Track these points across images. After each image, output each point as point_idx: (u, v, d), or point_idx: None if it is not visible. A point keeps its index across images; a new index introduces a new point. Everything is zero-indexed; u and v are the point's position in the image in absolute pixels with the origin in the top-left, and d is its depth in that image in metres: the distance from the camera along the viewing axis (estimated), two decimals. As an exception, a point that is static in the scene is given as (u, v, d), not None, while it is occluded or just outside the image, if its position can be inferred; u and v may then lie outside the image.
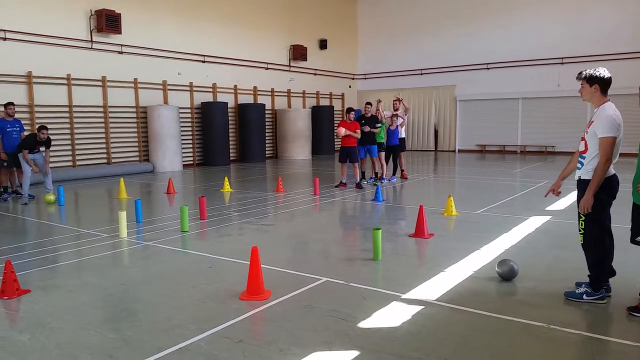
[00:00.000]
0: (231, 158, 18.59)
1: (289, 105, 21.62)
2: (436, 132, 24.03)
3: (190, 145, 17.66)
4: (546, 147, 20.85)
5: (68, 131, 14.22)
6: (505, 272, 4.72)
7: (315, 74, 23.07)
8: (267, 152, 20.09)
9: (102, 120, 15.07)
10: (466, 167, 16.61)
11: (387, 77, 24.86)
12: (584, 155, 4.13)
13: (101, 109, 15.02)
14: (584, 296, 4.13)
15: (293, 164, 18.16)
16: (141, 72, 15.91)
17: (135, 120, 15.95)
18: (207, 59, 18.02)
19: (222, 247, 6.31)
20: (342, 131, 10.94)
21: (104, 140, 15.15)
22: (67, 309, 4.19)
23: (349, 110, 11.33)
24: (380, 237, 5.50)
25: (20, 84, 13.22)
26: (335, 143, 21.57)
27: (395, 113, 12.51)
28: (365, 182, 11.88)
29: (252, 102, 19.71)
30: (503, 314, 3.94)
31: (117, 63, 15.28)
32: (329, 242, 6.59)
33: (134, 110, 15.90)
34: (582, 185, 4.12)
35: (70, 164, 14.28)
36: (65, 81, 14.11)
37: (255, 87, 19.98)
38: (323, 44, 23.31)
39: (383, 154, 11.87)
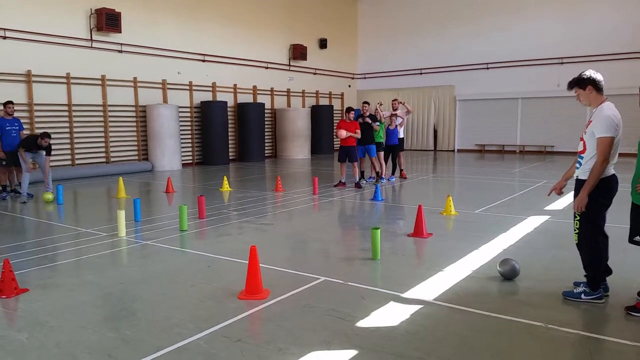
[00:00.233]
0: (230, 157, 18.59)
1: (289, 105, 21.62)
2: (435, 131, 24.03)
3: (190, 145, 17.66)
4: (545, 147, 20.86)
5: (67, 130, 14.20)
6: (507, 272, 4.73)
7: (315, 74, 23.06)
8: (266, 152, 20.08)
9: (102, 119, 15.06)
10: (465, 166, 16.61)
11: (386, 77, 24.86)
12: (582, 155, 4.14)
13: (100, 108, 15.01)
14: (582, 296, 4.14)
15: (292, 163, 18.16)
16: (141, 71, 15.90)
17: (134, 119, 15.94)
18: (206, 58, 18.01)
19: (220, 246, 6.31)
20: (343, 133, 10.95)
21: (103, 139, 15.14)
22: (65, 308, 4.19)
23: (349, 109, 11.33)
24: (379, 236, 5.50)
25: (19, 83, 13.21)
26: (335, 143, 21.56)
27: (394, 113, 12.52)
28: (364, 182, 11.88)
29: (251, 101, 19.70)
30: (502, 313, 3.95)
31: (116, 62, 15.27)
32: (328, 241, 6.59)
33: (133, 109, 15.89)
34: (579, 184, 4.13)
35: (69, 162, 14.27)
36: (64, 80, 14.10)
37: (254, 87, 19.97)
38: (323, 44, 23.31)
39: (382, 153, 11.88)
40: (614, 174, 4.10)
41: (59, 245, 6.46)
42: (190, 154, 17.66)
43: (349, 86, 25.51)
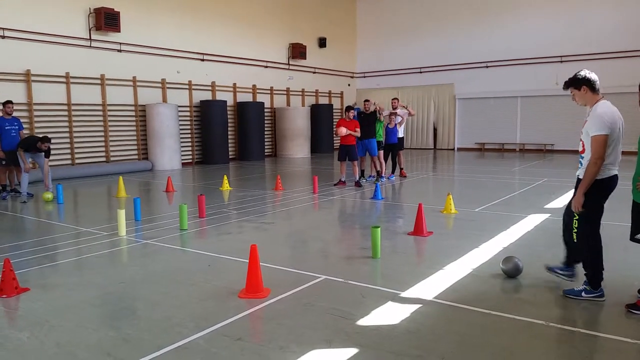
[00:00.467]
0: (230, 156, 18.58)
1: (288, 104, 21.60)
2: (435, 130, 24.02)
3: (189, 144, 17.65)
4: (545, 145, 20.85)
5: (67, 129, 14.19)
6: (510, 269, 4.73)
7: (314, 73, 23.05)
8: (266, 151, 20.07)
9: (101, 118, 15.05)
10: (465, 165, 16.61)
11: (386, 76, 24.85)
12: (582, 155, 4.14)
13: (100, 107, 15.00)
14: (583, 294, 4.14)
15: (292, 162, 18.16)
16: (140, 71, 15.89)
17: (134, 118, 15.93)
18: (206, 57, 18.00)
19: (221, 245, 6.30)
20: (343, 131, 10.95)
21: (102, 139, 15.13)
22: (66, 308, 4.19)
23: (348, 108, 11.34)
24: (379, 235, 5.50)
25: (18, 82, 13.20)
26: (334, 141, 21.56)
27: (393, 112, 12.52)
28: (364, 180, 11.88)
29: (251, 100, 19.70)
30: (502, 311, 3.95)
31: (116, 61, 15.26)
32: (328, 240, 6.59)
33: (132, 108, 15.88)
34: (578, 183, 4.14)
35: (69, 162, 14.26)
36: (64, 79, 14.09)
37: (254, 86, 19.96)
38: (322, 43, 23.29)
39: (382, 152, 11.89)
40: (615, 175, 4.09)
41: (59, 244, 6.45)
42: (190, 153, 17.65)
43: (349, 85, 25.50)
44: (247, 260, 4.42)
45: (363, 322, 3.79)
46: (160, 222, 7.66)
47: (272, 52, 20.81)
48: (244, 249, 5.47)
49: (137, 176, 14.09)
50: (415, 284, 4.60)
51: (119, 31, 14.95)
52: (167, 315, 3.98)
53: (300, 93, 22.33)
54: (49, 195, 9.81)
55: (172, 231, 7.01)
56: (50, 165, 10.74)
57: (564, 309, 4.03)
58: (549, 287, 4.48)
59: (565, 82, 4.21)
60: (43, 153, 10.20)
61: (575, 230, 4.13)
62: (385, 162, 12.24)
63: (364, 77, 25.68)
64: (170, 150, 15.87)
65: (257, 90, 20.12)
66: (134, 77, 15.74)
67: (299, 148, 20.33)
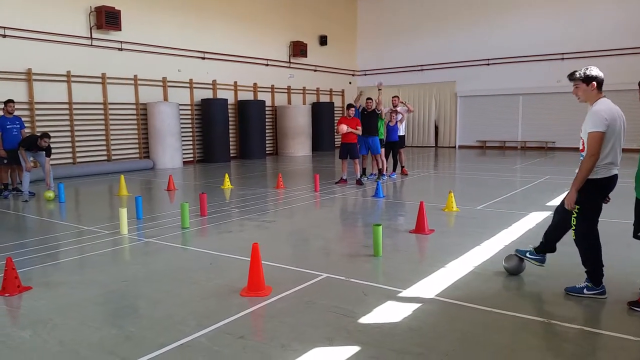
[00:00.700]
0: (231, 155, 18.58)
1: (289, 102, 21.59)
2: (436, 128, 24.01)
3: (191, 142, 17.65)
4: (547, 142, 20.83)
5: (68, 128, 14.21)
6: (512, 267, 4.73)
7: (315, 71, 23.03)
8: (267, 149, 20.07)
9: (102, 117, 15.06)
10: (467, 163, 16.60)
11: (387, 73, 24.77)
12: (582, 153, 4.13)
13: (101, 106, 15.00)
14: (585, 291, 4.14)
15: (293, 160, 18.16)
16: (141, 69, 15.89)
17: (135, 117, 15.94)
18: (207, 55, 18.00)
19: (222, 243, 6.31)
20: (344, 128, 10.95)
21: (104, 137, 15.15)
22: (68, 306, 4.20)
23: (349, 106, 11.35)
24: (381, 233, 5.50)
25: (20, 81, 13.20)
26: (336, 139, 21.55)
27: (394, 109, 12.51)
28: (366, 179, 11.88)
29: (252, 98, 19.69)
30: (504, 309, 3.95)
31: (117, 60, 15.26)
32: (330, 238, 6.59)
33: (134, 107, 15.88)
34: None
35: (70, 161, 14.27)
36: (65, 78, 14.09)
37: (255, 84, 19.95)
38: (323, 40, 23.27)
39: (383, 150, 11.89)
40: (616, 175, 4.09)
41: (62, 243, 6.46)
42: (191, 151, 17.66)
43: (350, 83, 25.48)
44: (249, 259, 4.43)
45: (365, 320, 3.79)
46: (162, 221, 7.67)
47: (273, 50, 20.79)
48: (245, 247, 5.48)
49: (139, 175, 14.10)
50: (417, 282, 4.60)
51: (120, 30, 14.94)
52: (169, 313, 3.98)
53: (301, 91, 22.32)
54: (50, 194, 9.82)
55: (174, 229, 7.01)
56: (52, 164, 10.75)
57: (565, 306, 4.03)
58: (550, 284, 4.48)
59: (575, 73, 4.14)
60: (44, 152, 10.21)
61: (574, 228, 4.14)
62: (386, 160, 12.23)
63: (365, 75, 25.65)
64: (172, 149, 15.87)
65: (258, 89, 20.12)
66: (135, 76, 15.74)
67: (300, 146, 20.33)
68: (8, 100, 10.61)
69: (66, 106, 14.17)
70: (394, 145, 12.42)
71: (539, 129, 21.04)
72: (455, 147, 23.29)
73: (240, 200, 9.59)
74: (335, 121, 21.92)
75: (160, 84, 16.57)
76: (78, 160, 14.45)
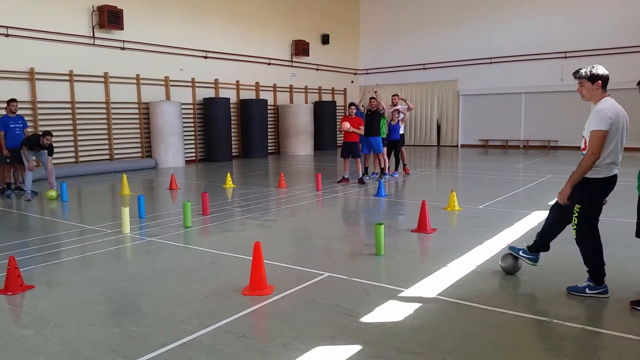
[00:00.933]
0: (233, 154, 18.60)
1: (291, 101, 21.59)
2: (439, 127, 23.98)
3: (193, 141, 17.67)
4: (549, 141, 20.79)
5: (70, 127, 14.23)
6: (509, 266, 4.73)
7: (317, 69, 23.02)
8: (269, 148, 20.08)
9: (105, 116, 15.08)
10: (469, 162, 16.58)
11: (389, 72, 24.79)
12: (584, 152, 4.12)
13: (103, 105, 15.03)
14: (587, 290, 4.13)
15: (295, 159, 18.16)
16: (143, 68, 15.90)
17: (137, 116, 15.96)
18: (209, 54, 18.01)
19: (224, 242, 6.31)
20: (347, 125, 10.96)
21: (106, 137, 15.17)
22: (71, 305, 4.21)
23: (351, 105, 11.35)
24: (383, 232, 5.50)
25: (22, 81, 13.24)
26: (338, 138, 21.55)
27: (395, 108, 12.50)
28: (368, 177, 11.88)
29: (254, 97, 19.70)
30: (506, 308, 3.94)
31: (119, 59, 15.28)
32: (332, 237, 6.60)
33: (136, 106, 15.90)
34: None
35: (72, 160, 14.30)
36: (67, 77, 14.12)
37: (257, 83, 19.96)
38: (325, 39, 23.26)
39: (385, 149, 11.89)
40: (615, 175, 4.08)
41: (64, 242, 6.47)
42: (193, 150, 17.68)
43: (352, 82, 25.46)
44: (251, 258, 4.43)
45: (366, 319, 3.79)
46: (164, 220, 7.68)
47: (275, 49, 20.79)
48: (247, 246, 5.48)
49: (141, 174, 14.12)
50: (418, 281, 4.60)
51: (122, 29, 14.96)
52: (172, 312, 3.99)
53: (304, 90, 22.31)
54: (53, 193, 9.84)
55: (176, 228, 7.02)
56: (54, 163, 10.79)
57: (567, 305, 4.02)
58: (552, 284, 4.47)
59: (580, 70, 4.10)
60: (47, 151, 10.23)
61: (575, 227, 4.13)
62: (388, 158, 12.23)
63: (367, 73, 25.62)
64: (174, 148, 15.89)
65: (260, 88, 20.12)
66: (138, 75, 15.75)
67: (302, 145, 20.33)
68: (11, 99, 10.63)
69: (69, 105, 14.20)
70: (396, 143, 12.42)
71: (541, 127, 20.99)
72: (457, 145, 23.26)
73: (242, 199, 9.59)
74: (338, 120, 21.95)
75: (163, 83, 16.58)
76: (80, 159, 14.48)
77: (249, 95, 19.67)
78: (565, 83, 19.48)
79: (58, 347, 3.44)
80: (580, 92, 4.16)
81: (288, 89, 21.56)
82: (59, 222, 7.91)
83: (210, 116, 17.48)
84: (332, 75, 23.98)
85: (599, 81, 4.03)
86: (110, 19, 14.51)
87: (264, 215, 8.00)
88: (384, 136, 11.84)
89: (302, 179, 12.38)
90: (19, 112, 10.91)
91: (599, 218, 4.15)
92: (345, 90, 24.85)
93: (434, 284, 4.52)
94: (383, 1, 24.74)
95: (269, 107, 20.05)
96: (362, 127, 11.12)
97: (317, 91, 23.08)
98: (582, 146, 4.14)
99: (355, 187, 10.70)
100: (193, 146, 17.68)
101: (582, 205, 4.06)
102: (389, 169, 12.16)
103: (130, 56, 15.60)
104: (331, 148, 22.03)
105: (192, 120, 17.62)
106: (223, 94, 18.49)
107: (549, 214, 4.50)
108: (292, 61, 21.63)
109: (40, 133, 10.46)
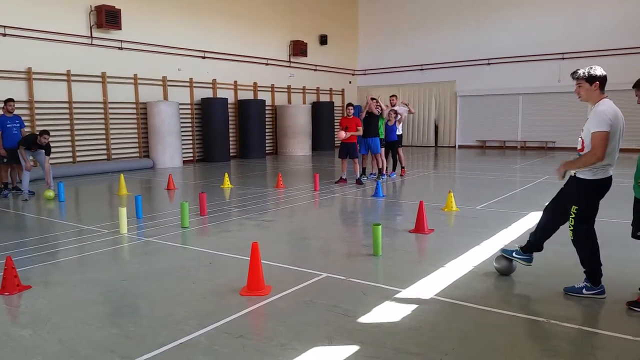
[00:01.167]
0: (231, 154, 18.58)
1: (289, 101, 21.59)
2: (436, 127, 24.01)
3: (190, 141, 17.65)
4: (546, 142, 20.83)
5: (68, 127, 14.21)
6: (503, 267, 4.74)
7: (315, 70, 23.02)
8: (267, 148, 20.07)
9: (102, 116, 15.06)
10: (466, 162, 16.61)
11: (387, 73, 24.81)
12: (580, 153, 4.14)
13: (101, 105, 15.00)
14: (584, 291, 4.15)
15: (293, 160, 18.16)
16: (141, 68, 15.88)
17: (135, 116, 15.94)
18: (207, 54, 18.00)
19: (222, 242, 6.31)
20: (343, 134, 11.00)
21: (104, 137, 15.14)
22: (68, 305, 4.21)
23: (349, 105, 11.35)
24: (381, 232, 5.50)
25: (20, 80, 13.20)
26: (336, 139, 21.53)
27: (393, 109, 12.51)
28: (365, 178, 11.88)
29: (252, 98, 19.69)
30: (503, 309, 3.95)
31: (117, 59, 15.26)
32: (329, 238, 6.60)
33: (133, 106, 15.88)
34: (573, 182, 4.17)
35: (70, 160, 14.28)
36: (65, 77, 14.09)
37: (255, 83, 19.95)
38: (323, 40, 23.26)
39: (383, 150, 11.89)
40: (611, 176, 4.10)
41: (61, 242, 6.46)
42: (191, 150, 17.66)
43: (350, 82, 25.47)
44: (249, 258, 4.43)
45: (364, 319, 3.79)
46: (162, 220, 7.67)
47: (273, 49, 20.79)
48: (245, 246, 5.48)
49: (139, 174, 14.10)
50: (416, 282, 4.60)
51: (120, 29, 14.94)
52: (169, 312, 3.99)
53: (301, 90, 22.32)
54: (50, 193, 9.83)
55: (174, 229, 7.02)
56: (52, 163, 10.76)
57: (564, 306, 4.03)
58: (550, 284, 4.48)
59: (578, 71, 4.11)
60: (44, 151, 10.21)
61: (572, 228, 4.15)
62: (386, 159, 12.24)
63: (365, 74, 25.64)
64: (172, 148, 15.88)
65: (258, 88, 20.11)
66: (135, 75, 15.74)
67: (300, 146, 20.33)
68: (8, 99, 10.61)
69: (66, 105, 14.17)
70: (393, 144, 12.43)
71: (539, 128, 21.04)
72: (455, 146, 23.29)
73: (240, 199, 9.59)
74: (336, 121, 21.99)
75: (160, 83, 16.57)
76: (78, 159, 14.46)
77: (247, 95, 19.66)
78: (562, 84, 19.55)
79: (55, 347, 3.43)
80: (577, 93, 4.17)
81: (286, 90, 21.56)
82: (56, 222, 7.89)
83: (208, 116, 17.47)
84: (330, 76, 23.99)
85: (597, 82, 4.04)
86: (108, 18, 14.49)
87: (262, 216, 8.00)
88: (382, 137, 11.85)
89: (300, 180, 12.38)
90: (16, 111, 10.89)
91: (596, 219, 4.18)
92: (343, 90, 24.86)
93: (431, 285, 4.53)
94: (382, 2, 24.76)
95: (266, 108, 20.04)
96: (360, 128, 11.13)
97: (315, 92, 23.09)
98: (579, 147, 4.15)
99: (353, 188, 10.71)
100: (191, 146, 17.66)
101: (579, 206, 4.08)
102: (386, 169, 12.17)
103: (128, 56, 15.58)
104: (329, 148, 22.04)
105: (189, 120, 17.61)
106: (221, 94, 18.48)
107: (543, 215, 4.53)
108: (290, 62, 21.63)
109: (38, 133, 10.44)
